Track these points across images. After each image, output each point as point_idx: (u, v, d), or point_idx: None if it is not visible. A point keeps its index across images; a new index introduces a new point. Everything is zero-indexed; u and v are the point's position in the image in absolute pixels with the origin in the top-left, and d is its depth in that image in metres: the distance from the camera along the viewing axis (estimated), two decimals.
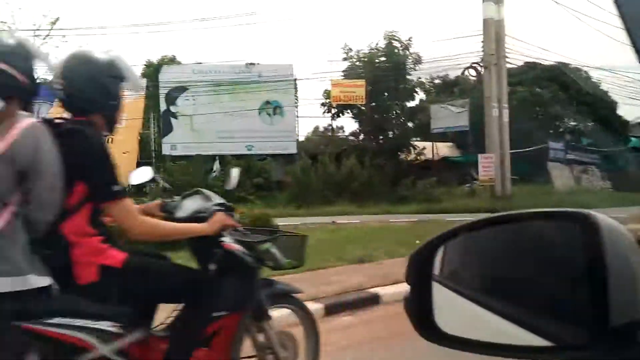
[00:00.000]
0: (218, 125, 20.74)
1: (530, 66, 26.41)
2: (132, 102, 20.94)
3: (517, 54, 18.66)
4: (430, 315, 0.80)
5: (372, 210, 14.89)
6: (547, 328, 0.69)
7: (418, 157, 22.71)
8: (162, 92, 20.99)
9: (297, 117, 22.33)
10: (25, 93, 1.90)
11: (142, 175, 2.68)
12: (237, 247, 2.29)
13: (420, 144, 23.19)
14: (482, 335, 0.76)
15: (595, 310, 0.61)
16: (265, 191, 19.35)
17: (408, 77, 22.69)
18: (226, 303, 2.27)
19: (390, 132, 22.50)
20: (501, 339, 0.73)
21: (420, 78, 23.83)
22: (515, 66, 25.26)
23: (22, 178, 1.81)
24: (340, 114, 23.00)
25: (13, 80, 1.83)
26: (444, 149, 25.10)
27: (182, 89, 20.98)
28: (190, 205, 2.46)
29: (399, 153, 22.32)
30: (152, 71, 22.29)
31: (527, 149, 20.53)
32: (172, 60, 24.45)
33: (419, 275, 0.83)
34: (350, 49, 23.20)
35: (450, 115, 21.08)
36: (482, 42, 17.17)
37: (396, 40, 22.63)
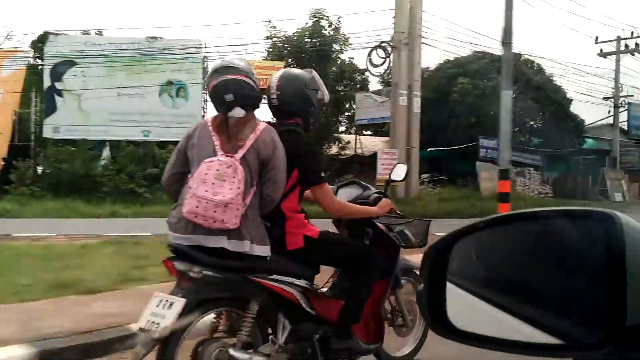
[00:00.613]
0: (110, 106, 18.03)
1: (479, 56, 24.13)
2: (10, 74, 18.56)
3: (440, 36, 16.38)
4: (442, 310, 0.81)
5: None
6: (560, 326, 0.69)
7: (342, 152, 20.45)
8: (48, 65, 18.39)
9: (205, 100, 19.82)
10: (258, 102, 2.51)
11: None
12: (385, 228, 2.87)
13: (346, 137, 20.92)
14: (494, 332, 0.76)
15: (612, 309, 0.62)
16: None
17: (350, 61, 20.58)
18: (379, 272, 2.73)
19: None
20: (513, 336, 0.74)
21: (352, 59, 21.68)
22: (461, 56, 23.07)
23: (263, 166, 2.40)
24: None
25: (255, 92, 2.46)
26: (381, 144, 22.89)
27: (70, 63, 18.27)
28: (349, 192, 2.99)
29: (322, 147, 20.08)
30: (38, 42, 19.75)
31: (457, 147, 18.29)
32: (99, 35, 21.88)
33: (433, 271, 0.84)
34: (274, 27, 20.96)
35: (375, 105, 18.75)
36: (393, 17, 14.75)
37: (325, 19, 20.43)
